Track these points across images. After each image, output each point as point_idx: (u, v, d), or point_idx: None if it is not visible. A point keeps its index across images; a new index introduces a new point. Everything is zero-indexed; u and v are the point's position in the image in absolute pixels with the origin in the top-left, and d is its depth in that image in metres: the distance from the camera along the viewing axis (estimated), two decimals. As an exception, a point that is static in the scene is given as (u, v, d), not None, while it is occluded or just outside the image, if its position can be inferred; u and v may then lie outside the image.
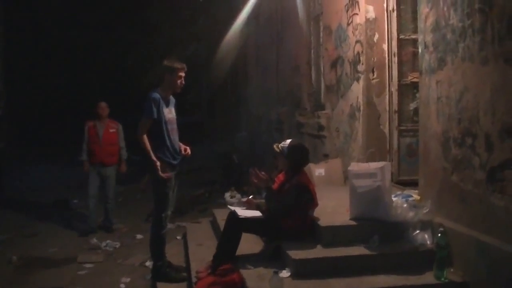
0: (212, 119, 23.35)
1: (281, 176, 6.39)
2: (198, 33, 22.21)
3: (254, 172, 6.29)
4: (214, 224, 8.05)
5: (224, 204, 8.61)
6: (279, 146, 6.34)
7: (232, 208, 6.41)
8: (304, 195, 5.95)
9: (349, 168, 6.28)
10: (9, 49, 18.58)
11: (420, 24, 6.25)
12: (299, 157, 6.27)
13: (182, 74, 6.50)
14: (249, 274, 5.52)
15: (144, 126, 6.34)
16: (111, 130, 10.03)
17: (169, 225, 10.03)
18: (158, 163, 6.27)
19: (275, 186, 6.30)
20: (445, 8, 5.56)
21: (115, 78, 25.38)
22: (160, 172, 6.27)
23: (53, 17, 24.47)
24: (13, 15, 20.92)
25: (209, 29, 20.42)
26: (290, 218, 5.91)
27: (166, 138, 6.43)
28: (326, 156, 9.42)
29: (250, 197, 6.80)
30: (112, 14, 24.60)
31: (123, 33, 24.78)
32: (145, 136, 6.29)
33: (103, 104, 10.06)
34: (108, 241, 9.15)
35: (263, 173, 6.33)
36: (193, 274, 6.12)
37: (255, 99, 16.83)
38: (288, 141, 6.38)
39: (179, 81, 6.49)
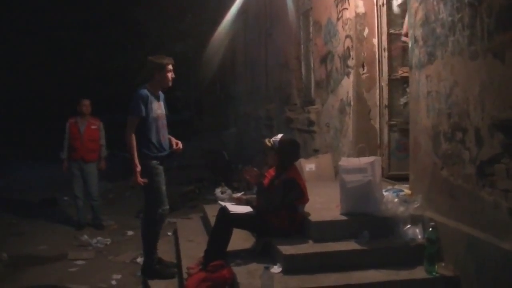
0: (200, 116, 23.34)
1: (271, 171, 6.37)
2: (186, 31, 22.17)
3: (247, 169, 6.31)
4: (204, 220, 8.05)
5: (214, 200, 8.61)
6: (271, 140, 6.32)
7: (223, 203, 6.39)
8: (294, 191, 5.94)
9: (340, 163, 6.27)
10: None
11: (410, 19, 6.25)
12: (289, 152, 6.24)
13: (171, 67, 6.48)
14: (240, 270, 5.51)
15: (132, 124, 6.29)
16: (92, 127, 10.07)
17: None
18: (138, 168, 6.23)
19: (265, 181, 6.29)
20: (435, 3, 5.56)
21: (102, 78, 25.29)
22: (137, 178, 6.25)
23: (39, 15, 24.33)
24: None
25: (197, 26, 20.40)
26: (280, 214, 5.90)
27: (154, 134, 6.38)
28: (316, 152, 9.44)
29: (241, 193, 6.79)
30: (98, 13, 24.50)
31: (110, 32, 24.69)
32: (133, 136, 6.26)
33: (85, 102, 10.10)
34: (98, 238, 9.16)
35: (255, 169, 6.34)
36: (184, 270, 6.12)
37: (244, 95, 16.84)
38: (280, 135, 6.36)
39: (169, 75, 6.46)
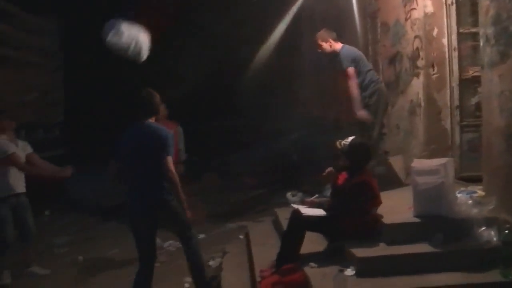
0: (266, 120, 23.35)
1: (344, 174, 6.37)
2: (249, 36, 22.26)
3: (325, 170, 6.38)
4: (276, 223, 8.08)
5: (285, 204, 8.63)
6: (342, 143, 6.33)
7: (296, 206, 6.42)
8: (366, 193, 5.93)
9: (412, 164, 6.21)
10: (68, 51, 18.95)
11: (481, 17, 6.16)
12: (360, 155, 6.24)
13: None
14: (313, 273, 5.52)
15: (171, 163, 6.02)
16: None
17: (231, 225, 10.21)
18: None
19: (338, 184, 6.30)
20: (507, 0, 5.47)
21: (171, 83, 25.65)
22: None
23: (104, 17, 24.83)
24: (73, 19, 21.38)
25: (260, 31, 20.44)
26: (353, 216, 5.89)
27: None
28: (386, 153, 9.36)
29: (314, 197, 6.79)
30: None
31: (176, 36, 25.03)
32: None
33: (160, 106, 10.22)
34: (170, 241, 9.22)
35: (313, 198, 6.43)
36: (257, 273, 6.16)
37: (311, 98, 16.79)
38: (350, 138, 6.36)
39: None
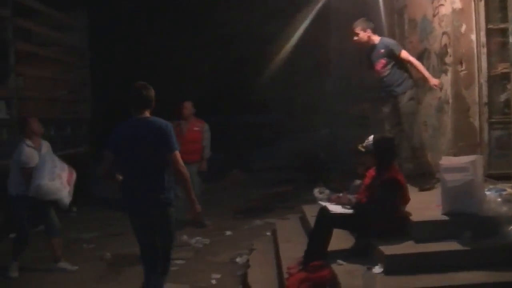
0: (291, 117, 23.33)
1: (372, 171, 6.35)
2: (272, 32, 22.23)
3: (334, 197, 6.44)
4: (303, 220, 8.09)
5: (312, 201, 8.62)
6: (363, 145, 6.33)
7: (323, 203, 6.42)
8: (395, 190, 5.91)
9: (440, 162, 6.19)
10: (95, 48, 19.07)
11: (510, 13, 6.11)
12: (386, 151, 6.23)
13: None
14: (340, 270, 5.52)
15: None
16: (195, 129, 10.25)
17: (257, 221, 10.24)
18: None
19: (366, 181, 6.30)
20: (537, -4, 5.42)
21: (196, 80, 25.78)
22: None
23: (137, 20, 24.97)
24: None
25: (283, 28, 20.38)
26: (382, 214, 5.87)
27: None
28: (415, 150, 9.30)
29: (341, 194, 6.78)
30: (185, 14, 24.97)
31: (197, 33, 25.12)
32: None
33: (187, 104, 10.32)
34: (197, 237, 9.29)
35: (341, 195, 6.42)
36: (284, 270, 6.18)
37: (337, 95, 16.76)
38: (371, 137, 6.35)
39: None
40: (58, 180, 7.43)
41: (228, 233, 9.65)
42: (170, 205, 5.65)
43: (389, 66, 7.77)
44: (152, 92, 5.60)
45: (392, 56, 7.75)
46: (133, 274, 7.69)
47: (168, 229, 5.71)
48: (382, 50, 7.84)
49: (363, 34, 7.93)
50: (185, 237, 9.30)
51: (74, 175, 7.79)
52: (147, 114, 5.57)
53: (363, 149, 6.32)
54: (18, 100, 10.30)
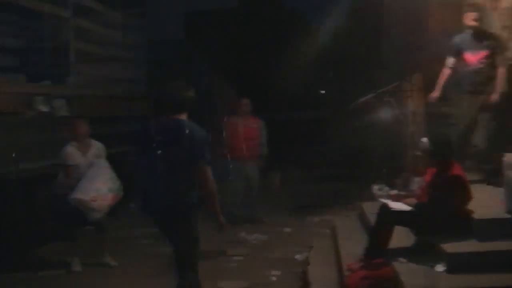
0: (344, 112, 23.19)
1: (433, 169, 6.28)
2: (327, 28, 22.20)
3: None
4: (362, 217, 8.05)
5: (370, 198, 8.58)
6: (421, 150, 6.30)
7: (384, 200, 6.39)
8: (458, 188, 5.84)
9: (504, 158, 6.08)
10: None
11: None
12: (444, 150, 6.15)
13: None
14: (401, 268, 5.49)
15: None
16: (251, 126, 10.31)
17: (316, 219, 10.24)
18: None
19: (427, 178, 6.24)
20: None
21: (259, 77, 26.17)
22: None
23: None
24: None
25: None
26: (444, 211, 5.79)
27: None
28: (475, 147, 9.15)
29: (400, 191, 6.74)
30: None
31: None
32: None
33: (245, 101, 10.39)
34: (256, 234, 9.33)
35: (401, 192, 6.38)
36: (344, 267, 6.17)
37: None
38: (424, 139, 6.29)
39: None
40: (93, 201, 7.40)
41: (286, 230, 9.66)
42: (191, 210, 5.33)
43: (487, 61, 7.50)
44: (190, 94, 5.24)
45: (495, 53, 7.51)
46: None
47: (185, 236, 5.37)
48: (487, 42, 7.55)
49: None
50: (243, 234, 9.36)
51: (119, 197, 7.77)
52: (183, 116, 5.18)
53: (420, 152, 6.28)
54: (78, 98, 10.52)
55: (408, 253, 5.85)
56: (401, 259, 5.68)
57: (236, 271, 7.65)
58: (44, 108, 9.02)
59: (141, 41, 14.76)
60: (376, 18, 16.31)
